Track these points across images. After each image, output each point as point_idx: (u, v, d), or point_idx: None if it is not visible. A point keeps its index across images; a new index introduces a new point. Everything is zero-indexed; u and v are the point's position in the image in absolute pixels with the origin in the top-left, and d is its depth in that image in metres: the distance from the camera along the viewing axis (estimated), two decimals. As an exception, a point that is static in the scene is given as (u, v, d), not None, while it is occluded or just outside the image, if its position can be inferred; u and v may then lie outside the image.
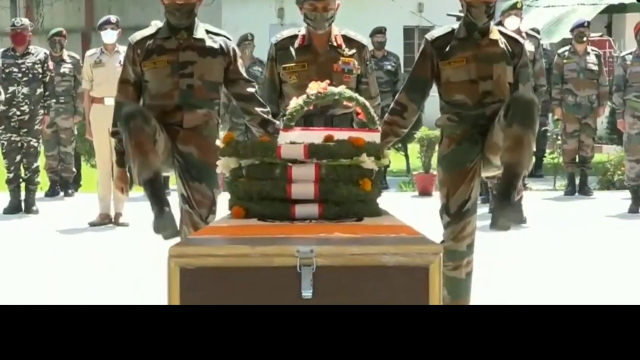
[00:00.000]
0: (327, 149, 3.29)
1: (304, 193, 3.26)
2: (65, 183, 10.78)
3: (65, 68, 10.50)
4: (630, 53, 9.61)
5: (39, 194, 9.96)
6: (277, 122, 4.55)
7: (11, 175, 9.37)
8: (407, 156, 12.34)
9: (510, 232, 4.38)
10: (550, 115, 11.38)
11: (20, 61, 9.33)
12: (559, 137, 11.04)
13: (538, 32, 10.01)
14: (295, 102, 3.76)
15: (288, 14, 20.26)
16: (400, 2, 20.21)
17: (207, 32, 4.53)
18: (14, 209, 9.34)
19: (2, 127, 9.29)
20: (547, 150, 11.92)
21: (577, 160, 10.54)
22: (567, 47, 10.63)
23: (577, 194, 10.52)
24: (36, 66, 9.36)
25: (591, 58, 10.41)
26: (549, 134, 11.84)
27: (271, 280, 2.59)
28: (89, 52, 9.02)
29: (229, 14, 20.63)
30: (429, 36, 4.54)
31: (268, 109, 4.60)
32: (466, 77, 4.41)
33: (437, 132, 9.82)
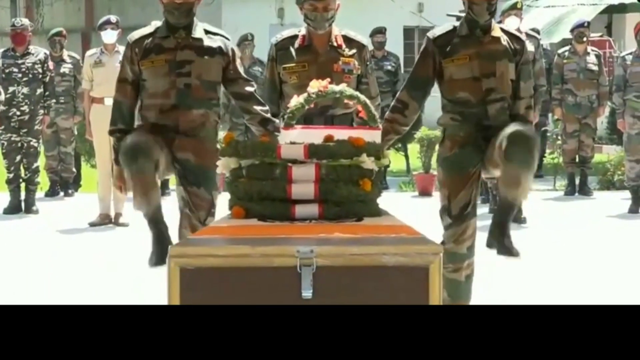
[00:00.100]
0: (327, 149, 3.29)
1: (304, 193, 3.26)
2: (65, 183, 10.77)
3: (65, 68, 10.50)
4: (630, 53, 9.60)
5: (39, 194, 9.95)
6: (277, 121, 4.55)
7: (11, 175, 9.37)
8: (407, 156, 12.34)
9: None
10: (550, 115, 11.38)
11: (20, 61, 9.33)
12: (559, 137, 11.04)
13: (538, 32, 9.99)
14: (296, 100, 3.76)
15: (288, 14, 20.26)
16: (400, 2, 20.20)
17: (206, 31, 4.53)
18: (14, 209, 9.33)
19: (2, 127, 9.29)
20: (547, 151, 11.90)
21: (577, 160, 10.54)
22: (567, 47, 10.63)
23: (577, 194, 10.52)
24: (36, 66, 9.36)
25: (591, 58, 10.41)
26: (549, 134, 11.83)
27: (271, 281, 2.59)
28: (89, 52, 9.02)
29: (229, 14, 20.62)
30: (431, 34, 4.53)
31: (267, 107, 4.61)
32: (469, 75, 4.40)
33: (437, 132, 9.88)
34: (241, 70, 4.64)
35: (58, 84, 10.13)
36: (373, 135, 3.63)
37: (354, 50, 4.69)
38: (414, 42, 22.07)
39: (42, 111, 9.38)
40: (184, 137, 4.44)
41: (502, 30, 4.55)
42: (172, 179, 5.26)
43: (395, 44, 15.78)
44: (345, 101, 3.99)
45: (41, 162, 9.80)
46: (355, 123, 4.58)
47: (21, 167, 9.40)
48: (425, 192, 10.53)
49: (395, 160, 11.03)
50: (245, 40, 11.09)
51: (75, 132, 10.81)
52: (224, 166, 3.43)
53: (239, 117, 9.61)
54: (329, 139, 3.38)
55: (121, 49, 8.16)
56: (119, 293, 5.62)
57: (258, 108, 4.57)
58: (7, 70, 9.27)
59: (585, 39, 10.44)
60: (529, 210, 8.31)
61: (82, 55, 9.82)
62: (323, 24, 4.58)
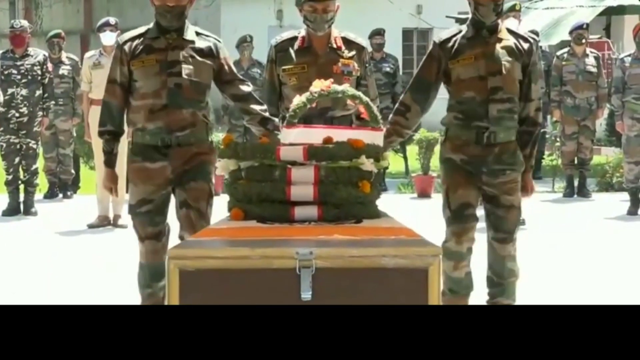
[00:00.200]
0: (327, 151, 3.29)
1: (304, 195, 3.26)
2: (64, 185, 10.77)
3: (64, 70, 10.50)
4: (629, 55, 9.61)
5: (38, 196, 9.96)
6: (277, 120, 4.55)
7: (10, 177, 9.36)
8: (405, 158, 12.34)
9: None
10: (549, 117, 11.38)
11: (19, 63, 9.33)
12: (558, 139, 11.05)
13: (537, 34, 10.00)
14: (298, 99, 3.75)
15: (287, 16, 20.26)
16: (398, 4, 20.21)
17: (197, 33, 4.53)
18: (12, 211, 9.33)
19: (1, 129, 9.29)
20: (546, 152, 11.92)
21: (575, 162, 10.54)
22: (565, 49, 10.64)
23: (575, 196, 10.53)
24: (35, 68, 9.36)
25: (590, 60, 10.42)
26: (547, 136, 11.84)
27: (270, 282, 2.59)
28: (87, 54, 9.02)
29: (227, 16, 20.63)
30: (437, 38, 4.54)
31: (265, 106, 4.59)
32: (475, 74, 4.41)
33: (436, 134, 9.89)
34: (236, 71, 4.65)
35: (57, 85, 10.13)
36: (374, 136, 3.63)
37: (353, 52, 4.69)
38: (412, 44, 22.09)
39: (41, 113, 9.38)
40: (177, 148, 4.41)
41: (510, 31, 4.55)
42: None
43: (393, 46, 15.80)
44: (348, 102, 3.99)
45: (40, 164, 9.80)
46: (354, 124, 4.58)
47: (20, 169, 9.39)
48: (424, 194, 10.53)
49: (394, 162, 11.02)
50: (244, 42, 11.10)
51: (74, 134, 10.81)
52: (223, 168, 3.43)
53: (237, 119, 9.62)
54: (328, 140, 3.38)
55: (120, 50, 8.17)
56: (118, 294, 5.61)
57: (257, 107, 4.56)
58: (6, 72, 9.27)
59: (584, 40, 10.45)
60: (527, 212, 8.31)
61: (81, 57, 9.83)
62: (322, 25, 4.58)
